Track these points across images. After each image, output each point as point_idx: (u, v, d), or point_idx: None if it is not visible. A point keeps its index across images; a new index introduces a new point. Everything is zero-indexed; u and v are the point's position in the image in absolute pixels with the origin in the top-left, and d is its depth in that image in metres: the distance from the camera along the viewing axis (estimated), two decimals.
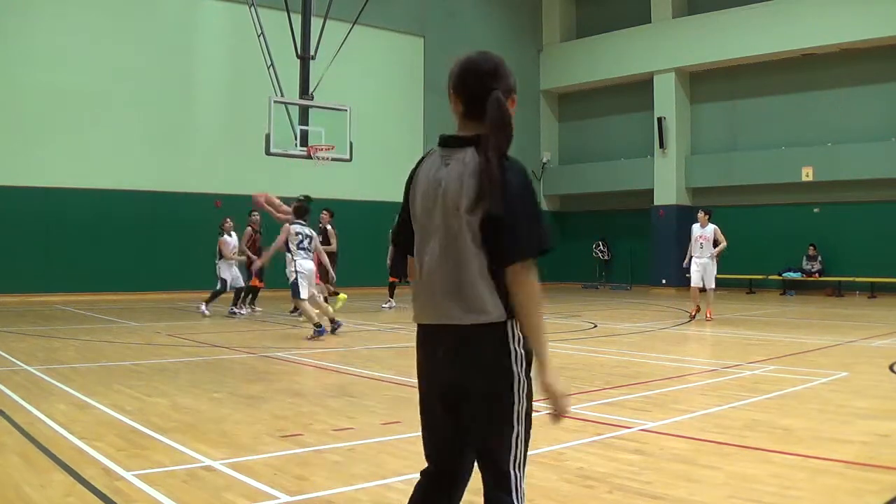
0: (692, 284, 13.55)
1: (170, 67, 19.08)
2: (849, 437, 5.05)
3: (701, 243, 13.50)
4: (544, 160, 26.69)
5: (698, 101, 23.95)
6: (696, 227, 13.66)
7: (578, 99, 26.90)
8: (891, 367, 8.06)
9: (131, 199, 18.35)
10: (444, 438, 2.37)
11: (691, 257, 13.62)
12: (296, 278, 10.39)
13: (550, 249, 2.22)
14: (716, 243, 13.44)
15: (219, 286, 13.99)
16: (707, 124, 23.74)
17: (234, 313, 13.94)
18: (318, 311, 10.87)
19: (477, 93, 2.25)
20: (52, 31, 17.50)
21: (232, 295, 14.36)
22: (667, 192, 23.60)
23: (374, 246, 20.79)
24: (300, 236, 10.52)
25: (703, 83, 23.74)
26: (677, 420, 5.57)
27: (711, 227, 13.45)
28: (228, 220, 14.45)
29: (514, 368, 2.21)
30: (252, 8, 16.68)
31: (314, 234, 10.94)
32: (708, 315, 13.49)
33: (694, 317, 13.49)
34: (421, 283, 2.32)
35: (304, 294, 10.44)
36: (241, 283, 14.26)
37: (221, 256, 14.06)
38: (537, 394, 2.25)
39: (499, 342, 2.21)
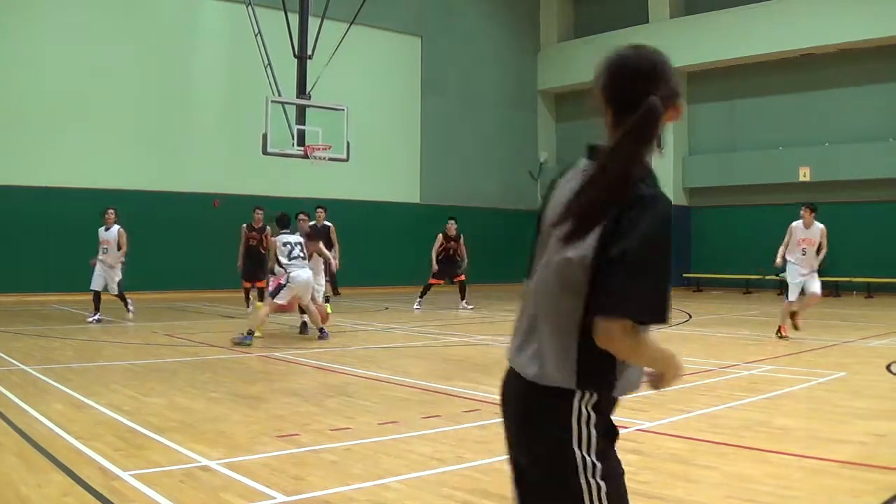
0: (790, 298, 10.53)
1: (168, 67, 19.06)
2: (846, 437, 5.06)
3: (804, 248, 10.47)
4: (541, 160, 26.67)
5: (696, 101, 23.94)
6: (797, 227, 10.65)
7: (576, 99, 26.87)
8: (888, 367, 8.08)
9: (130, 198, 18.29)
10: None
11: (784, 259, 10.69)
12: (285, 283, 9.96)
13: (658, 321, 1.70)
14: (819, 248, 10.56)
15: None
16: (705, 124, 23.75)
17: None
18: (263, 322, 10.39)
19: (629, 97, 1.86)
20: (52, 32, 17.46)
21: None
22: (665, 192, 23.53)
23: (371, 246, 20.85)
24: (288, 246, 10.16)
25: (701, 83, 23.74)
26: (674, 420, 5.57)
27: (818, 227, 10.54)
28: (111, 210, 12.86)
29: (577, 450, 1.78)
30: (249, 7, 16.67)
31: (302, 239, 10.49)
32: (797, 323, 10.68)
33: (785, 336, 10.56)
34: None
35: (279, 299, 9.92)
36: (113, 289, 13.18)
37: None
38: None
39: (560, 413, 1.78)
